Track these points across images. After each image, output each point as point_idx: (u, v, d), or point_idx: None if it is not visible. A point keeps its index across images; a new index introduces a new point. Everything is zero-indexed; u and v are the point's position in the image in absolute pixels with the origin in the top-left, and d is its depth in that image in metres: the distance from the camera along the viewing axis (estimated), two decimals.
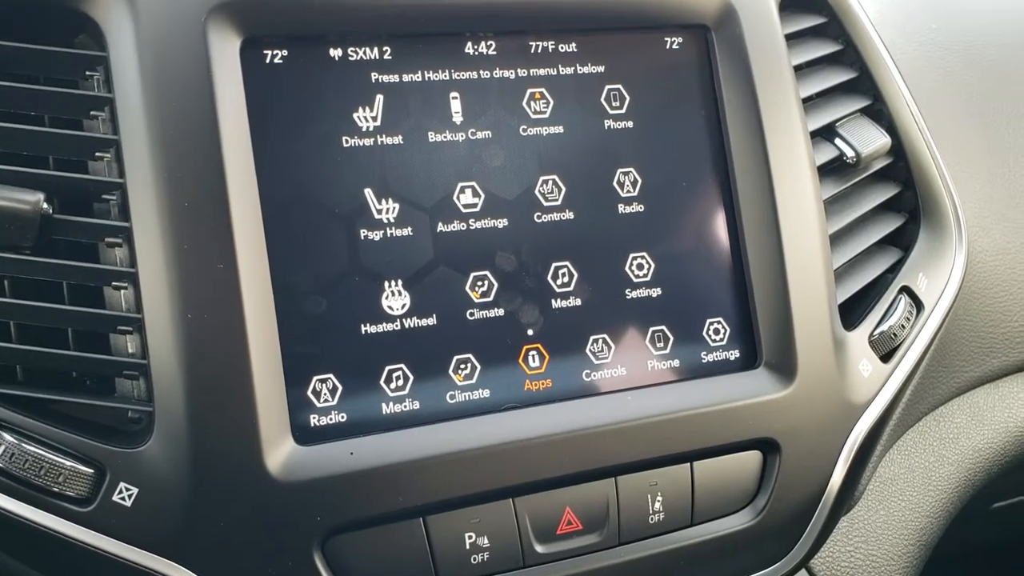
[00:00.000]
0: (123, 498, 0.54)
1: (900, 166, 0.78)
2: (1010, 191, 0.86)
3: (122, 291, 0.56)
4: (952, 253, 0.78)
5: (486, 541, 0.60)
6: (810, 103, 0.74)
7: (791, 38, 0.73)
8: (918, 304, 0.75)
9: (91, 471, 0.54)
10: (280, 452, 0.55)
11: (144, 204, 0.55)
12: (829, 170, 0.74)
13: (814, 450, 0.68)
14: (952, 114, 0.85)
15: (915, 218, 0.79)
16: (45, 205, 0.54)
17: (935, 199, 0.78)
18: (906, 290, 0.75)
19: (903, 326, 0.73)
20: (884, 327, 0.72)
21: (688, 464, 0.64)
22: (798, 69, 0.73)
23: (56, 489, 0.53)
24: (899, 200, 0.79)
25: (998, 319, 0.85)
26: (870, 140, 0.75)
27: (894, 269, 0.77)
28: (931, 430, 0.85)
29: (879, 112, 0.77)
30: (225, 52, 0.56)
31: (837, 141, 0.74)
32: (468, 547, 0.59)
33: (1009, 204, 0.86)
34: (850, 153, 0.74)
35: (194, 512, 0.54)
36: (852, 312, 0.73)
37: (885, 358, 0.72)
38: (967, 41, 0.89)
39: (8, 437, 0.53)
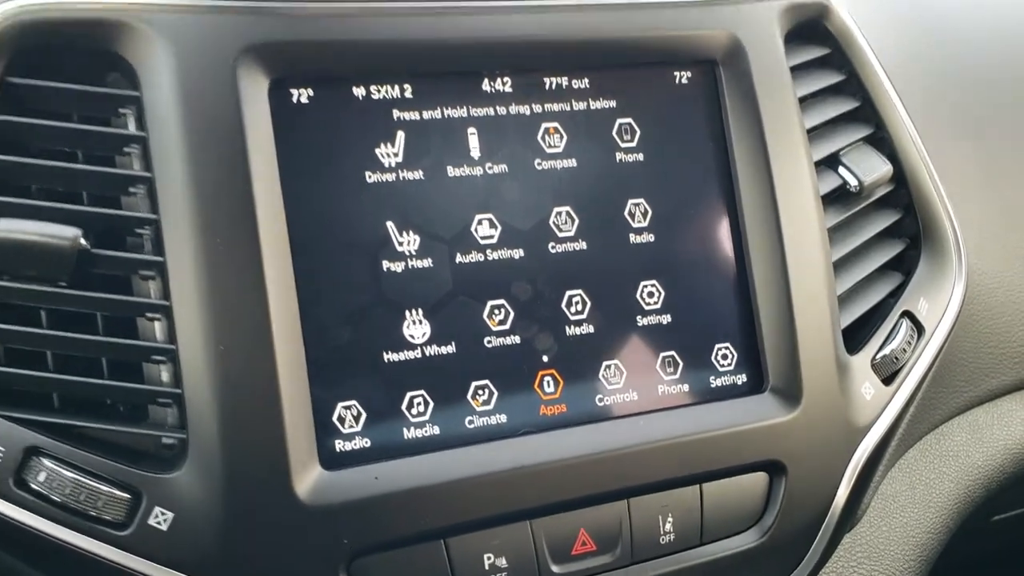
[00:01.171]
0: (159, 522, 0.56)
1: (901, 193, 0.80)
2: (1008, 215, 0.88)
3: (155, 322, 0.58)
4: (952, 277, 0.80)
5: (504, 562, 0.62)
6: (814, 132, 0.75)
7: (796, 69, 0.75)
8: (919, 328, 0.77)
9: (128, 496, 0.56)
10: (308, 477, 0.58)
11: (178, 239, 0.57)
12: (833, 198, 0.76)
13: (819, 471, 0.70)
14: (952, 141, 0.87)
15: (916, 243, 0.81)
16: (83, 241, 0.56)
17: (935, 225, 0.81)
18: (907, 314, 0.77)
19: (904, 350, 0.75)
20: (886, 351, 0.75)
21: (698, 486, 0.66)
22: (803, 99, 0.75)
23: (94, 513, 0.56)
24: (900, 226, 0.81)
25: (996, 340, 0.87)
26: (872, 169, 0.77)
27: (896, 293, 0.79)
28: (932, 448, 0.87)
29: (881, 140, 0.80)
30: (254, 92, 0.59)
31: (841, 170, 0.76)
32: (487, 567, 0.61)
33: (1007, 227, 0.88)
34: (853, 182, 0.76)
35: (227, 535, 0.56)
36: (855, 336, 0.75)
37: (887, 381, 0.74)
38: (967, 69, 0.91)
39: (48, 463, 0.55)
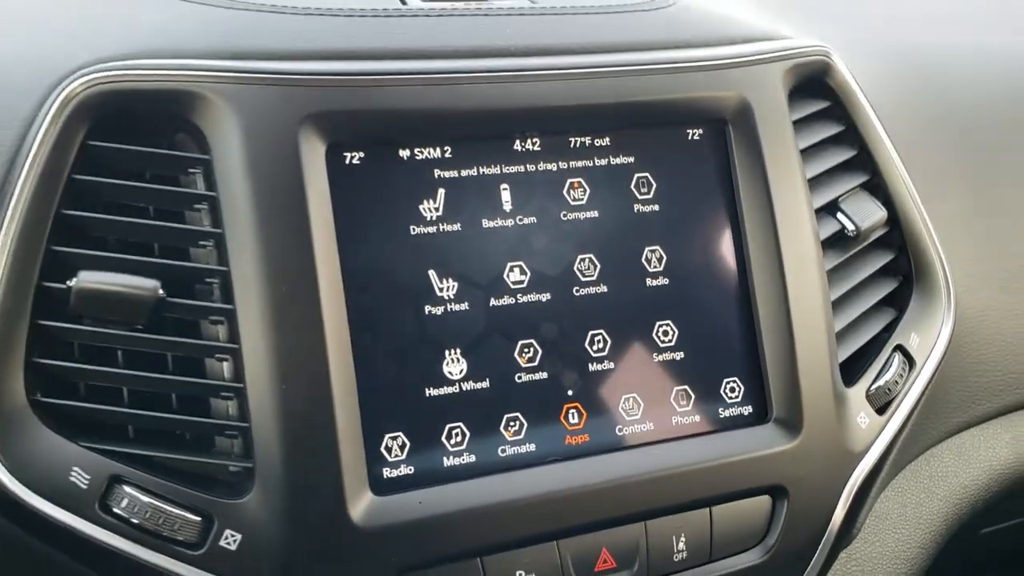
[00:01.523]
0: (228, 543, 0.62)
1: (895, 235, 0.86)
2: (995, 254, 0.94)
3: (223, 362, 0.64)
4: (942, 314, 0.86)
5: None
6: (815, 180, 0.81)
7: (799, 122, 0.80)
8: (910, 361, 0.83)
9: (200, 519, 0.62)
10: (360, 502, 0.64)
11: (246, 288, 0.63)
12: (832, 242, 0.81)
13: (817, 494, 0.76)
14: (943, 186, 0.92)
15: (909, 281, 0.86)
16: (161, 291, 0.63)
17: (926, 265, 0.86)
18: (900, 348, 0.83)
19: (897, 382, 0.81)
20: (880, 382, 0.81)
21: (708, 509, 0.72)
22: (805, 150, 0.80)
23: (170, 535, 0.61)
24: (894, 265, 0.86)
25: (983, 370, 0.93)
26: (869, 214, 0.83)
27: (890, 328, 0.84)
28: (922, 470, 0.93)
29: (877, 186, 0.85)
30: (313, 156, 0.65)
31: (839, 216, 0.82)
32: None
33: (995, 266, 0.94)
34: (851, 227, 0.82)
35: (289, 554, 0.62)
36: (851, 369, 0.81)
37: (881, 411, 0.80)
38: (958, 119, 0.96)
39: (128, 490, 0.62)
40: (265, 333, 0.63)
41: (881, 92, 0.90)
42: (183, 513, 0.62)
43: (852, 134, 0.85)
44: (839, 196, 0.83)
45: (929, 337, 0.85)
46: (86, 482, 0.61)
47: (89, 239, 0.64)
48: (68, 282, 0.62)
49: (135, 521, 0.61)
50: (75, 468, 0.61)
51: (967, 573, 1.40)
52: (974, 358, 0.92)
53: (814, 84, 0.83)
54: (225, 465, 0.64)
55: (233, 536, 0.62)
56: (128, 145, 0.65)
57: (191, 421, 0.64)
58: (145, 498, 0.62)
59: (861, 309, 0.83)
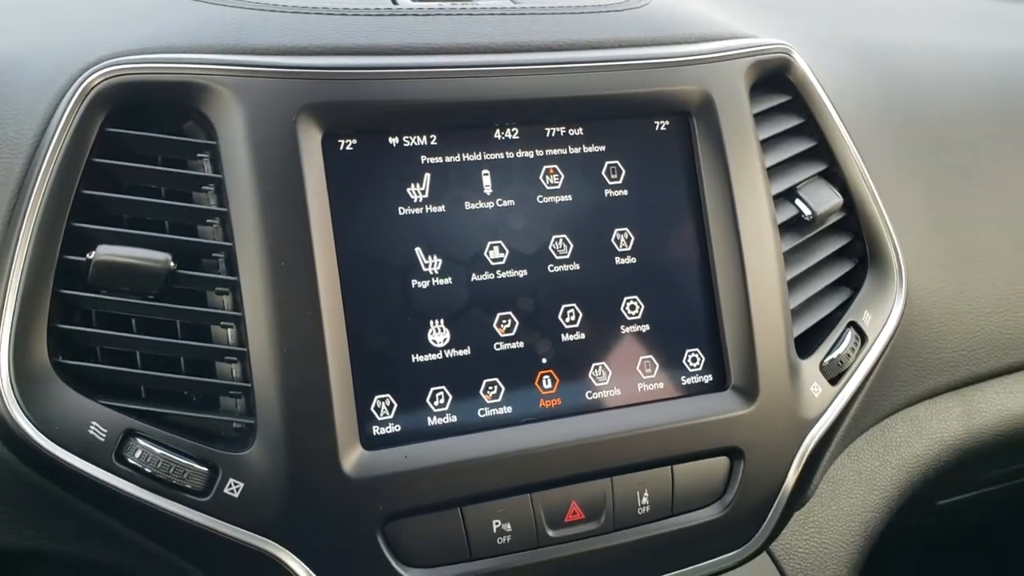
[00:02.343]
0: (232, 491, 0.68)
1: (851, 220, 0.91)
2: (946, 239, 1.00)
3: (228, 329, 0.71)
4: (894, 293, 0.92)
5: (509, 527, 0.73)
6: (775, 169, 0.86)
7: (760, 115, 0.86)
8: (863, 336, 0.89)
9: (206, 470, 0.68)
10: (351, 455, 0.70)
11: (249, 262, 0.69)
12: (790, 226, 0.86)
13: (772, 457, 0.82)
14: (897, 173, 0.98)
15: (864, 264, 0.92)
16: (172, 264, 0.69)
17: (880, 248, 0.92)
18: (853, 324, 0.89)
19: (849, 355, 0.87)
20: (833, 355, 0.86)
21: (669, 467, 0.78)
22: (765, 140, 0.86)
23: (179, 483, 0.67)
24: (850, 248, 0.92)
25: (934, 346, 0.99)
26: (825, 200, 0.88)
27: (844, 306, 0.90)
28: (876, 439, 0.99)
29: (834, 175, 0.91)
30: (310, 142, 0.71)
31: (797, 202, 0.87)
32: (495, 531, 0.73)
33: (945, 250, 1.00)
34: (807, 212, 0.87)
35: (287, 502, 0.68)
36: (807, 343, 0.86)
37: (833, 381, 0.86)
38: (912, 112, 1.02)
39: (142, 443, 0.68)
40: (266, 303, 0.69)
41: (840, 87, 0.96)
42: (191, 463, 0.68)
43: (811, 126, 0.91)
44: (798, 183, 0.88)
45: (881, 315, 0.91)
46: (103, 435, 0.67)
47: (106, 217, 0.70)
48: (88, 255, 0.68)
49: (148, 470, 0.68)
50: (93, 422, 0.67)
51: (930, 544, 1.47)
52: (925, 335, 0.98)
53: (775, 79, 0.89)
54: (229, 422, 0.70)
55: (236, 484, 0.68)
56: (142, 132, 0.71)
57: (198, 382, 0.70)
58: (157, 450, 0.68)
59: (817, 288, 0.88)
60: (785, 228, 0.87)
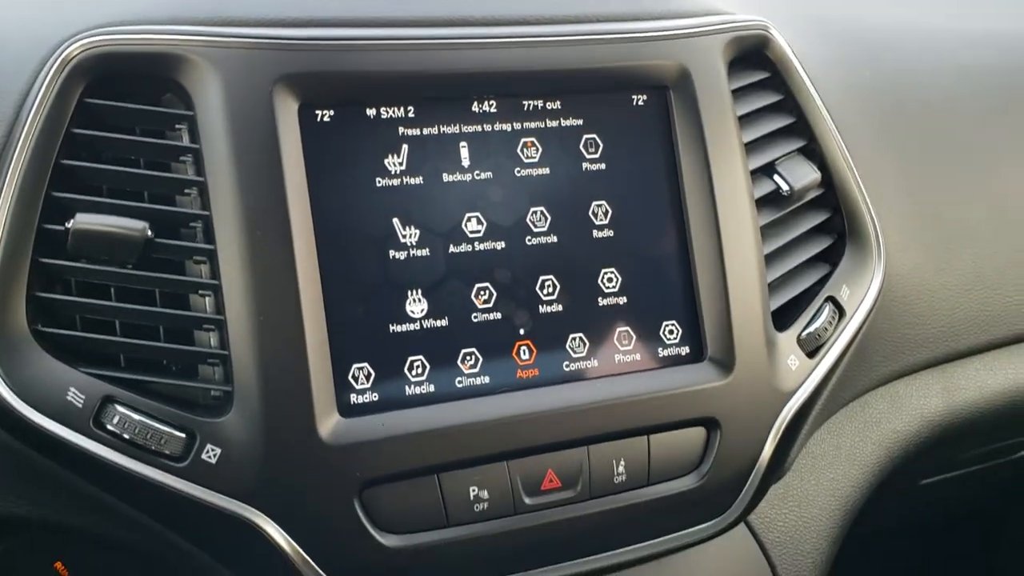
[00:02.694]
0: (210, 457, 0.69)
1: (830, 196, 0.92)
2: (925, 216, 1.01)
3: (206, 298, 0.71)
4: (872, 268, 0.93)
5: (486, 494, 0.74)
6: (753, 144, 0.87)
7: (739, 91, 0.87)
8: (841, 311, 0.90)
9: (184, 436, 0.69)
10: (329, 422, 0.71)
11: (226, 231, 0.70)
12: (769, 200, 0.87)
13: (748, 428, 0.82)
14: (877, 150, 0.99)
15: (842, 239, 0.94)
16: (150, 232, 0.70)
17: (859, 224, 0.93)
18: (831, 299, 0.89)
19: (827, 328, 0.88)
20: (810, 329, 0.87)
21: (646, 436, 0.78)
22: (744, 116, 0.87)
23: (156, 449, 0.68)
24: (829, 224, 0.93)
25: (913, 322, 1.00)
26: (803, 175, 0.89)
27: (823, 281, 0.91)
28: (856, 414, 1.00)
29: (813, 151, 0.91)
30: (286, 113, 0.71)
31: (775, 177, 0.88)
32: (472, 498, 0.74)
33: (924, 227, 1.01)
34: (785, 187, 0.88)
35: (264, 468, 0.69)
36: (785, 316, 0.87)
37: (811, 355, 0.86)
38: (891, 90, 1.03)
39: (120, 409, 0.68)
40: (243, 271, 0.70)
41: (820, 66, 0.97)
42: (169, 430, 0.69)
43: (790, 103, 0.91)
44: (776, 159, 0.89)
45: (860, 290, 0.92)
46: (81, 401, 0.68)
47: (85, 187, 0.71)
48: (66, 224, 0.69)
49: (126, 436, 0.68)
50: (72, 389, 0.68)
51: (915, 525, 1.48)
52: (904, 312, 0.99)
53: (754, 56, 0.90)
54: (207, 390, 0.71)
55: (213, 450, 0.69)
56: (121, 103, 0.72)
57: (177, 350, 0.71)
58: (135, 416, 0.69)
59: (795, 262, 0.89)
60: (763, 203, 0.87)
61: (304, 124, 0.72)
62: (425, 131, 0.76)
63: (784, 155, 0.90)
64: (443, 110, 0.77)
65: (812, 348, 0.87)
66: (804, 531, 0.97)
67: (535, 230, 0.79)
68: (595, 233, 0.80)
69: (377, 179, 0.75)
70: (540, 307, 0.78)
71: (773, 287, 0.87)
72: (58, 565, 0.77)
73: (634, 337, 0.81)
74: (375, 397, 0.73)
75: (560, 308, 0.79)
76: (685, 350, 0.82)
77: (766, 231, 0.87)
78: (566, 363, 0.79)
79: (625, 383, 0.79)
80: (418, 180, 0.76)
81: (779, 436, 0.84)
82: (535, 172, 0.79)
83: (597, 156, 0.81)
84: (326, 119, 0.73)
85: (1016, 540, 1.51)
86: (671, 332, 0.82)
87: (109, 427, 0.69)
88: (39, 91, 0.70)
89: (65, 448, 0.68)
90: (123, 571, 0.79)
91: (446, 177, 0.76)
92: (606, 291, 0.80)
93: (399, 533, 0.73)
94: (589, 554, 0.80)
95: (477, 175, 0.77)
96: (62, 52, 0.70)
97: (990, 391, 1.07)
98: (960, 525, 1.55)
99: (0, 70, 0.72)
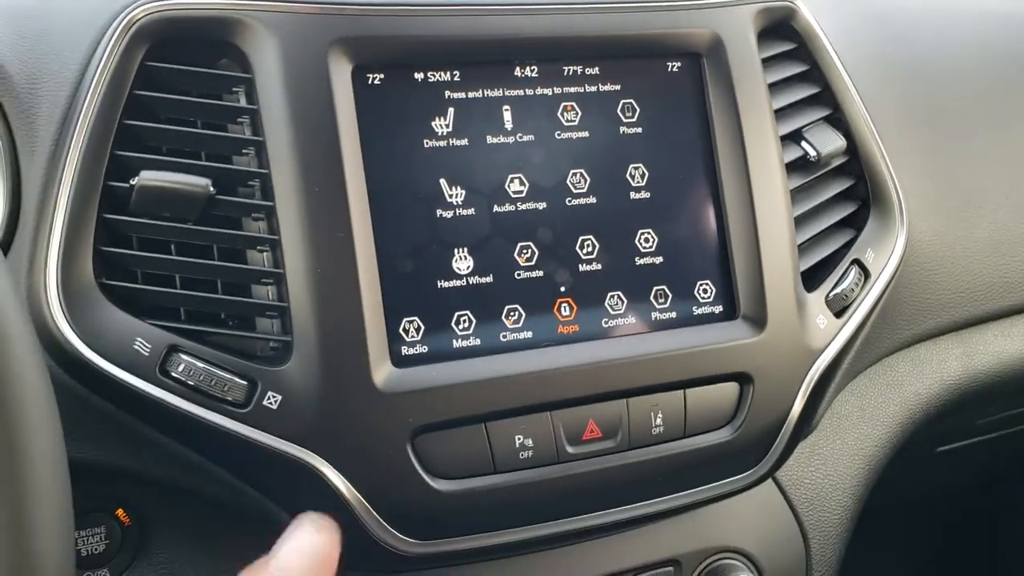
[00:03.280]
0: (271, 403, 0.72)
1: (854, 163, 0.95)
2: (946, 184, 1.04)
3: (263, 253, 0.74)
4: (895, 233, 0.95)
5: (531, 442, 0.77)
6: (781, 112, 0.90)
7: (767, 61, 0.90)
8: (866, 273, 0.93)
9: (246, 383, 0.71)
10: (382, 372, 0.73)
11: (284, 188, 0.72)
12: (796, 166, 0.90)
13: (779, 384, 0.85)
14: (899, 121, 1.02)
15: (867, 205, 0.96)
16: (212, 189, 0.73)
17: (882, 190, 0.96)
18: (857, 262, 0.92)
19: (853, 289, 0.91)
20: (838, 290, 0.90)
21: (682, 391, 0.81)
22: (773, 85, 0.90)
23: (220, 395, 0.71)
24: (854, 190, 0.96)
25: (934, 287, 1.03)
26: (829, 142, 0.92)
27: (848, 245, 0.94)
28: (879, 376, 1.03)
29: (838, 120, 0.94)
30: (340, 76, 0.74)
31: (803, 143, 0.91)
32: (518, 446, 0.76)
33: (945, 196, 1.04)
34: (812, 153, 0.91)
35: (322, 414, 0.72)
36: (813, 278, 0.90)
37: (838, 314, 0.89)
38: (915, 61, 1.06)
39: (185, 357, 0.71)
40: (300, 227, 0.73)
41: (844, 38, 1.00)
42: (231, 377, 0.72)
43: (816, 73, 0.94)
44: (803, 126, 0.92)
45: (884, 253, 0.95)
46: (147, 350, 0.71)
47: (147, 147, 0.74)
48: (131, 181, 0.72)
49: (191, 383, 0.71)
50: (138, 338, 0.71)
51: (931, 497, 1.51)
52: (926, 276, 1.02)
53: (782, 27, 0.93)
54: (266, 341, 0.74)
55: (274, 397, 0.72)
56: (181, 66, 0.75)
57: (235, 302, 0.74)
58: (199, 364, 0.72)
59: (822, 226, 0.92)
60: (791, 168, 0.90)
61: (357, 86, 0.75)
62: (470, 95, 0.79)
63: (811, 123, 0.93)
64: (487, 74, 0.79)
65: (839, 308, 0.90)
66: (830, 489, 1.00)
67: (575, 191, 0.81)
68: (632, 195, 0.83)
69: (425, 140, 0.77)
70: (580, 266, 0.81)
71: (802, 249, 0.90)
72: (119, 512, 0.80)
73: (670, 296, 0.84)
74: (425, 349, 0.76)
75: (599, 267, 0.82)
76: (719, 308, 0.85)
77: (794, 195, 0.90)
78: (605, 320, 0.82)
79: (661, 339, 0.82)
80: (463, 142, 0.78)
81: (808, 392, 0.87)
82: (575, 135, 0.82)
83: (634, 120, 0.84)
84: (377, 82, 0.76)
85: None
86: (705, 291, 0.85)
87: (174, 375, 0.71)
88: (104, 53, 0.73)
89: (132, 395, 0.71)
90: (184, 521, 0.82)
91: (490, 139, 0.79)
92: (643, 251, 0.83)
93: (449, 479, 0.76)
94: (627, 503, 0.82)
95: (519, 138, 0.80)
96: (126, 16, 0.73)
97: (1008, 356, 1.09)
98: (975, 497, 1.58)
99: (65, 33, 0.75)
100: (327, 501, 0.73)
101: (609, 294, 0.82)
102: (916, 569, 1.66)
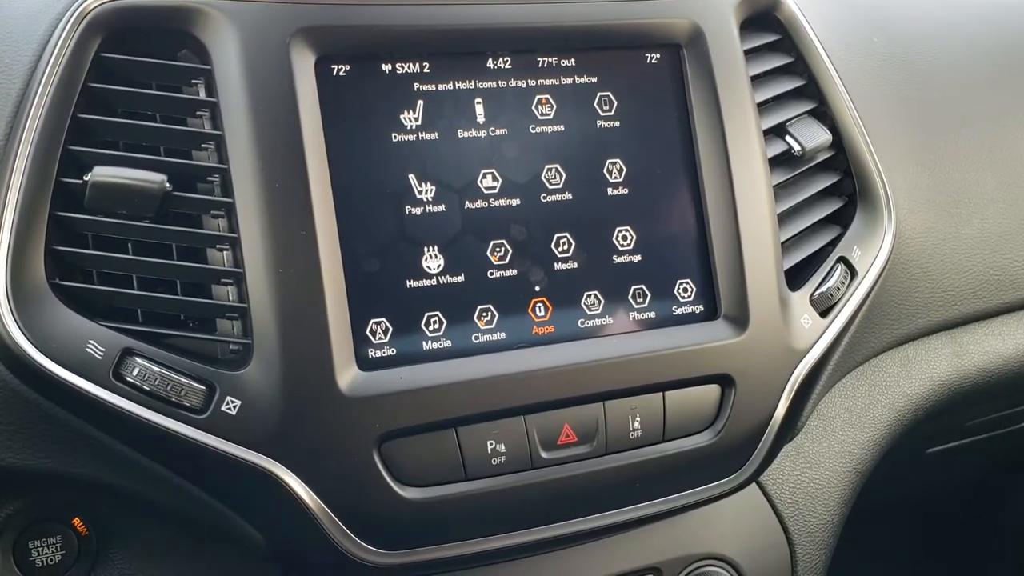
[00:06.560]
0: (229, 408, 0.69)
1: (840, 158, 0.92)
2: (935, 180, 1.01)
3: (223, 252, 0.71)
4: (883, 230, 0.93)
5: (503, 447, 0.74)
6: (765, 105, 0.88)
7: (750, 52, 0.87)
8: (852, 271, 0.90)
9: (204, 388, 0.69)
10: (348, 375, 0.71)
11: (244, 184, 0.70)
12: (780, 161, 0.88)
13: (762, 385, 0.82)
14: (887, 115, 1.00)
15: (853, 201, 0.94)
16: (168, 185, 0.70)
17: (869, 186, 0.93)
18: (843, 260, 0.90)
19: (839, 288, 0.88)
20: (823, 288, 0.87)
21: (661, 393, 0.78)
22: (755, 78, 0.87)
23: (177, 401, 0.68)
24: (840, 186, 0.93)
25: (923, 286, 1.00)
26: (814, 136, 0.89)
27: (834, 243, 0.91)
28: (866, 377, 1.01)
29: (823, 113, 0.92)
30: (303, 67, 0.71)
31: (787, 137, 0.88)
32: (489, 452, 0.74)
33: (934, 191, 1.01)
34: (796, 147, 0.88)
35: (284, 420, 0.69)
36: (798, 277, 0.87)
37: (823, 314, 0.87)
38: (902, 54, 1.04)
39: (140, 361, 0.68)
40: (261, 224, 0.70)
41: (830, 29, 0.97)
42: (189, 381, 0.69)
43: (801, 65, 0.92)
44: (787, 120, 0.89)
45: (871, 250, 0.92)
46: (101, 353, 0.68)
47: (102, 142, 0.71)
48: (84, 177, 0.69)
49: (146, 388, 0.69)
50: (91, 341, 0.68)
51: (921, 498, 1.49)
52: (914, 275, 0.99)
53: (765, 18, 0.90)
54: (226, 343, 0.71)
55: (233, 402, 0.69)
56: (137, 57, 0.72)
57: (195, 303, 0.71)
58: (155, 368, 0.69)
59: (807, 223, 0.90)
60: (775, 163, 0.88)
61: (321, 78, 0.72)
62: (440, 87, 0.76)
63: (795, 116, 0.91)
64: (458, 66, 0.77)
65: (825, 307, 0.88)
66: (816, 493, 0.97)
67: (550, 187, 0.79)
68: (610, 191, 0.80)
69: (393, 134, 0.75)
70: (555, 264, 0.78)
71: (786, 247, 0.87)
72: (76, 522, 0.77)
73: (648, 295, 0.81)
74: (393, 351, 0.73)
75: (575, 265, 0.79)
76: (699, 308, 0.82)
77: (778, 191, 0.87)
78: (581, 320, 0.79)
79: (640, 340, 0.79)
80: (433, 136, 0.76)
81: (792, 394, 0.85)
82: (550, 129, 0.79)
83: (611, 114, 0.81)
84: (342, 73, 0.73)
85: (1020, 512, 1.52)
86: (685, 290, 0.82)
87: (129, 379, 0.69)
88: (56, 45, 0.70)
89: (85, 400, 0.68)
90: (144, 530, 0.79)
91: (461, 133, 0.77)
92: (620, 249, 0.80)
93: (418, 486, 0.73)
94: (604, 510, 0.80)
95: (492, 132, 0.77)
96: (79, 5, 0.70)
97: (998, 356, 1.07)
98: (965, 498, 1.56)
99: (17, 23, 0.72)
100: (289, 511, 0.70)
101: (585, 294, 0.79)
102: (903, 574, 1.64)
